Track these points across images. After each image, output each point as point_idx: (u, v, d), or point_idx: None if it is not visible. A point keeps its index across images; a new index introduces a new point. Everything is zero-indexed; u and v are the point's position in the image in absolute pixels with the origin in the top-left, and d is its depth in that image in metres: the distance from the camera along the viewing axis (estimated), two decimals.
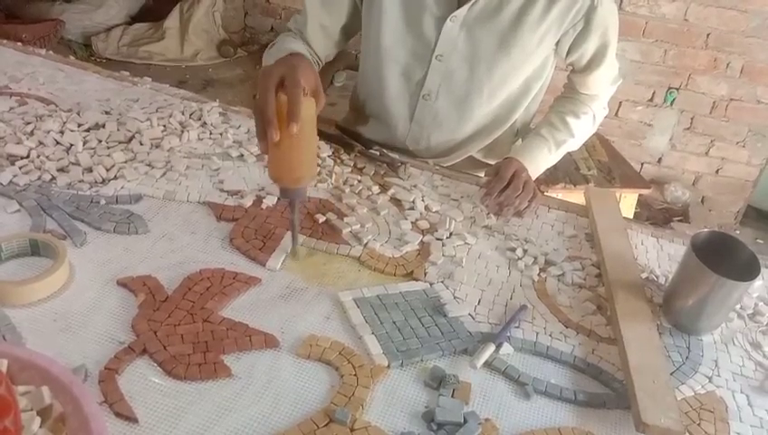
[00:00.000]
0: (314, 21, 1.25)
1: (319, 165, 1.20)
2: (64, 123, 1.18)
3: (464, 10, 1.16)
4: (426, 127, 1.31)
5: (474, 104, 1.27)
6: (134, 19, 4.01)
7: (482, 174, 1.35)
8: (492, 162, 1.41)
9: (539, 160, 1.29)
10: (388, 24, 1.22)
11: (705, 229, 0.97)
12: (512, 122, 1.34)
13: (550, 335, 0.91)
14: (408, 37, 1.23)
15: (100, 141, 1.16)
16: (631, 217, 2.54)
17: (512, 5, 1.15)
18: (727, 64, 3.07)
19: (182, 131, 1.23)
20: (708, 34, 3.03)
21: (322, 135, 1.27)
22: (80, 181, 1.05)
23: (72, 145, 1.13)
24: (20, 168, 1.06)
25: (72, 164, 1.09)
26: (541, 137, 1.30)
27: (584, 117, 1.32)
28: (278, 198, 1.08)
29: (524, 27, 1.16)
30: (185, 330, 0.81)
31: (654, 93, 3.24)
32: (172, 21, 3.88)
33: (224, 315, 0.85)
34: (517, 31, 1.17)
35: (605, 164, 2.51)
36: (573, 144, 1.33)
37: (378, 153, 1.25)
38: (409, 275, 0.98)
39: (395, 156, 1.27)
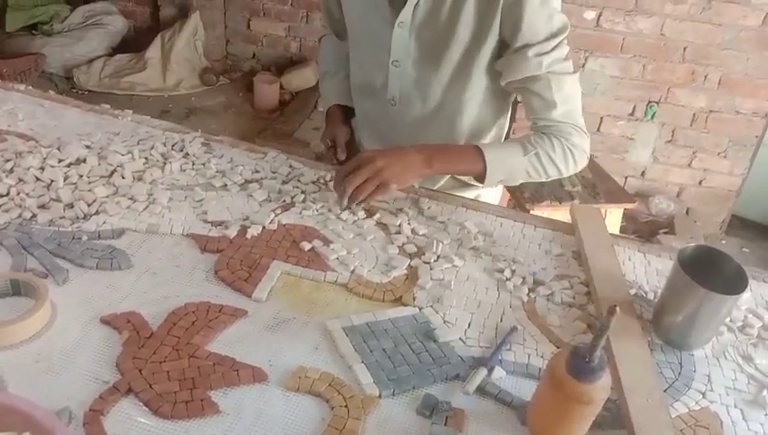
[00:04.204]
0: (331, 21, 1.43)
1: (302, 191, 1.20)
2: (45, 159, 1.17)
3: (408, 13, 1.16)
4: (397, 130, 1.33)
5: (435, 106, 1.26)
6: (115, 50, 4.02)
7: (468, 194, 1.34)
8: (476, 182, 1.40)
9: (505, 157, 1.16)
10: (352, 28, 1.28)
11: (692, 244, 0.97)
12: (480, 125, 1.31)
13: (541, 356, 0.90)
14: (367, 43, 1.27)
15: (82, 176, 1.14)
16: (617, 231, 2.55)
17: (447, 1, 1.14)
18: (705, 77, 3.12)
19: (164, 163, 1.22)
20: (685, 48, 3.08)
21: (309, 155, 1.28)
22: (61, 218, 1.04)
23: (52, 181, 1.12)
24: None
25: (53, 200, 1.08)
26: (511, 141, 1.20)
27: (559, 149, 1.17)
28: (262, 227, 1.08)
29: (462, 21, 1.14)
30: (170, 366, 0.79)
31: (634, 108, 3.28)
32: (154, 51, 3.89)
33: (210, 350, 0.83)
34: (456, 25, 1.14)
35: (589, 180, 2.53)
36: (549, 164, 1.18)
37: None
38: (398, 301, 0.97)
39: None
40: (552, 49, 1.12)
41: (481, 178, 1.16)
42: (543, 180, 1.20)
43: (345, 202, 1.12)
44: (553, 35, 1.12)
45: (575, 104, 1.17)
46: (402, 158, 1.10)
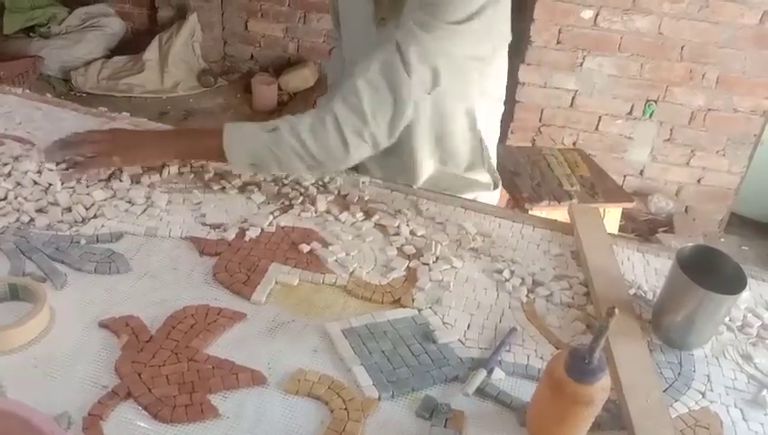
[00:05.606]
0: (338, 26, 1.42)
1: (301, 194, 1.19)
2: (42, 163, 1.17)
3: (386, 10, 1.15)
4: None
5: None
6: (113, 52, 4.02)
7: (467, 195, 1.34)
8: (468, 176, 1.37)
9: (245, 130, 1.10)
10: (343, 28, 1.30)
11: (690, 244, 0.97)
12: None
13: (541, 358, 0.90)
14: (356, 43, 1.27)
15: (79, 180, 1.14)
16: (616, 231, 2.55)
17: None
18: (703, 75, 3.12)
19: (162, 166, 1.22)
20: (683, 47, 3.08)
21: None
22: (59, 222, 1.04)
23: (50, 185, 1.11)
24: None
25: (51, 204, 1.07)
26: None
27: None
28: (261, 230, 1.08)
29: None
30: (170, 370, 0.79)
31: (632, 106, 3.28)
32: (151, 53, 3.89)
33: (209, 353, 0.83)
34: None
35: (587, 179, 2.53)
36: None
37: (362, 184, 1.25)
38: (397, 302, 0.97)
39: (378, 181, 1.27)
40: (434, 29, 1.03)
41: (223, 154, 1.10)
42: (301, 168, 1.13)
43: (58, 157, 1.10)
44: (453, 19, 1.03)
45: (385, 86, 1.07)
46: (138, 134, 1.06)
